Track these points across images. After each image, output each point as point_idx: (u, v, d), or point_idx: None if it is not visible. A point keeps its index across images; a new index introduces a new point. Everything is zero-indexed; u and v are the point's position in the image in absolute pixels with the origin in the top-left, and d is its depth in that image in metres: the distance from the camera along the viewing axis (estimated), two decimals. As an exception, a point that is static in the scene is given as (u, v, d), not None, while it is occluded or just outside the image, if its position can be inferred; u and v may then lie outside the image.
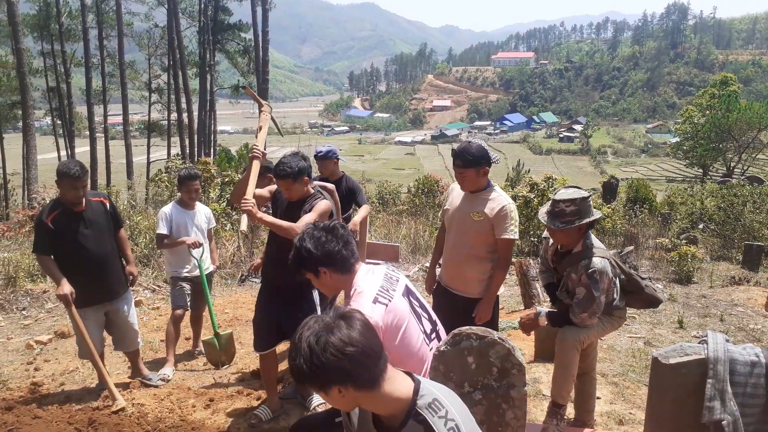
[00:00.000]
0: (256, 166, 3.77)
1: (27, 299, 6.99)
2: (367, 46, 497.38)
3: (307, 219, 3.59)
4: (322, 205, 3.75)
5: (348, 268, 2.34)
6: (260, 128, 3.96)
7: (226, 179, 10.87)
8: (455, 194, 3.79)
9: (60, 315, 6.51)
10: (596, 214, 3.37)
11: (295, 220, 3.72)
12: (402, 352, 2.18)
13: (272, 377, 4.18)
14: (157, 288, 7.89)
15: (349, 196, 5.40)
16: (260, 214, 3.56)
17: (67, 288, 4.08)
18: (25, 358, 5.41)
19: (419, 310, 2.36)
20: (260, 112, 4.05)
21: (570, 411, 3.72)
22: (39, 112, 31.48)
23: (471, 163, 3.51)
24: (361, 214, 5.20)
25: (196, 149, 27.99)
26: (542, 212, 3.50)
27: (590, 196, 3.40)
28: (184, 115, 28.07)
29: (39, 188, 14.37)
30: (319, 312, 4.07)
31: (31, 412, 3.82)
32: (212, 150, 28.92)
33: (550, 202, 3.40)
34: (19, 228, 10.34)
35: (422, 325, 2.30)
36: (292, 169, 3.60)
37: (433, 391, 1.64)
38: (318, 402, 4.19)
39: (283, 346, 5.28)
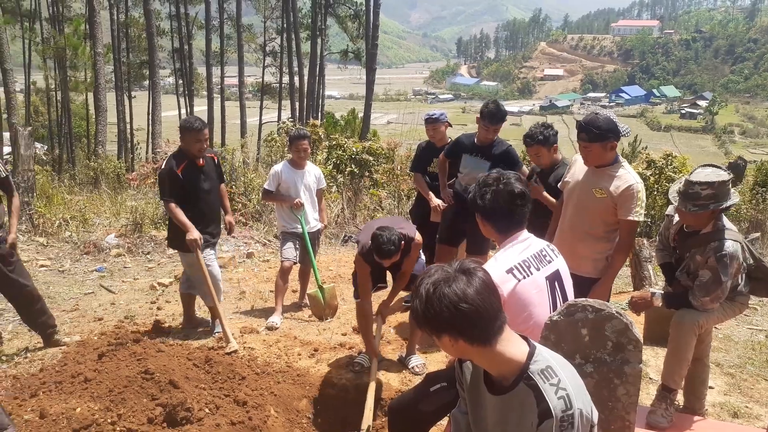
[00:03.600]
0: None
1: (151, 244, 7.59)
2: (477, 11, 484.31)
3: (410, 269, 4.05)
4: (417, 243, 4.00)
5: (506, 229, 2.31)
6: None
7: (333, 143, 11.12)
8: (578, 166, 3.56)
9: (180, 261, 7.01)
10: (734, 199, 3.11)
11: (392, 268, 4.12)
12: (523, 330, 2.15)
13: (369, 327, 4.33)
14: (267, 242, 8.29)
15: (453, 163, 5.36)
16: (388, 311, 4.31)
17: (196, 234, 4.41)
18: (149, 297, 5.91)
19: (559, 299, 2.31)
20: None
21: (679, 398, 3.55)
22: (164, 72, 33.50)
23: (597, 137, 3.26)
24: (467, 181, 5.14)
25: (305, 113, 28.77)
26: (673, 190, 3.27)
27: (730, 179, 3.12)
28: (296, 78, 28.84)
29: (162, 143, 15.40)
30: (423, 258, 4.23)
31: (155, 346, 4.17)
32: (320, 114, 29.57)
33: (684, 181, 3.16)
34: (144, 179, 11.16)
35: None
36: (396, 246, 3.73)
37: (548, 358, 1.61)
38: (416, 362, 4.28)
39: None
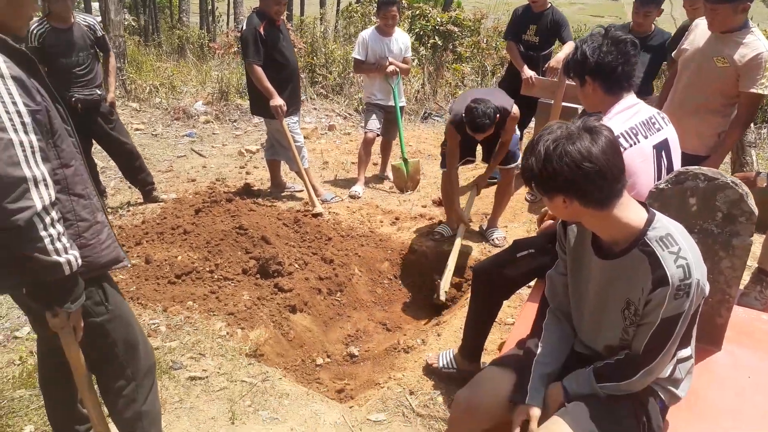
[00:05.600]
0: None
1: (237, 113, 7.74)
2: None
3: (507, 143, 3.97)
4: (513, 117, 3.82)
5: (615, 89, 2.11)
6: None
7: (417, 12, 10.61)
8: (699, 32, 3.20)
9: (265, 129, 7.13)
10: None
11: (491, 147, 4.05)
12: None
13: (452, 197, 4.34)
14: (348, 115, 8.28)
15: (553, 29, 5.00)
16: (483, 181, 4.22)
17: (279, 100, 4.41)
18: (237, 162, 6.11)
19: (665, 169, 2.13)
20: None
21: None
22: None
23: None
24: (565, 50, 4.82)
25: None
26: None
27: None
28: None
29: (245, 10, 15.23)
30: (517, 131, 4.11)
31: (246, 206, 4.37)
32: (401, -16, 28.11)
33: None
34: (228, 48, 11.18)
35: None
36: (491, 120, 3.54)
37: (668, 226, 1.53)
38: (497, 235, 4.28)
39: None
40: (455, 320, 3.34)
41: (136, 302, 3.21)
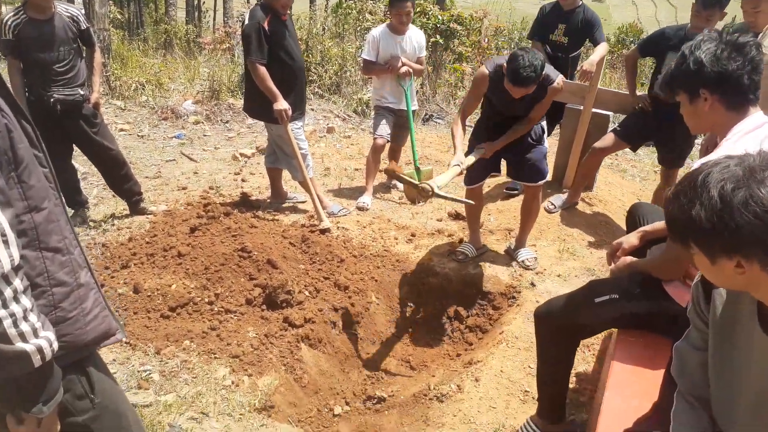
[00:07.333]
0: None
1: (230, 113, 7.23)
2: None
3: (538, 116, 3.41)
4: (555, 89, 3.26)
5: (739, 105, 1.68)
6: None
7: (417, 9, 10.18)
8: None
9: (259, 132, 6.67)
10: None
11: (518, 110, 3.36)
12: None
13: (476, 214, 3.92)
14: (347, 117, 7.82)
15: (584, 29, 4.60)
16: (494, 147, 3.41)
17: (285, 103, 3.94)
18: (231, 168, 5.62)
19: None
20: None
21: None
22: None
23: None
24: (598, 52, 4.40)
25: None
26: None
27: None
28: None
29: (236, 5, 14.70)
30: (545, 143, 3.63)
31: (247, 221, 3.90)
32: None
33: None
34: (219, 44, 10.65)
35: None
36: (537, 74, 2.96)
37: None
38: (527, 256, 3.86)
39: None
40: (493, 360, 2.91)
41: (124, 342, 2.74)
